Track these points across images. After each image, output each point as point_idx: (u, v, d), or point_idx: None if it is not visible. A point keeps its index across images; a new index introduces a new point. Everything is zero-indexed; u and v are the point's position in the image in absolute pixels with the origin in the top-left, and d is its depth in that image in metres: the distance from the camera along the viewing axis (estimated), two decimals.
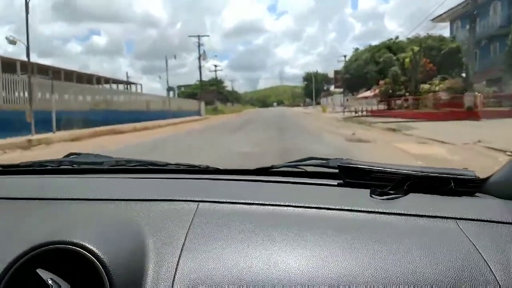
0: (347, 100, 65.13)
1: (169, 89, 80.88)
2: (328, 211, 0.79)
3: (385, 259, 0.64)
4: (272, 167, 1.11)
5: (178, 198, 0.85)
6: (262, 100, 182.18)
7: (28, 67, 15.32)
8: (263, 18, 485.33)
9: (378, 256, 0.65)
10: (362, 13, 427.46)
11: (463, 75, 24.75)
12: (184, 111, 37.60)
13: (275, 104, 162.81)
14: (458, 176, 0.90)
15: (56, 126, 15.07)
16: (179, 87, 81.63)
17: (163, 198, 0.85)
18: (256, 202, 0.82)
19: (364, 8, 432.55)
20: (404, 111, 23.76)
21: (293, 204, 0.81)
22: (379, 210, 0.78)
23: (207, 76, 73.30)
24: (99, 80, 39.61)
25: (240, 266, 0.64)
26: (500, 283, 0.60)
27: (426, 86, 24.59)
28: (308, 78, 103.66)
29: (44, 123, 14.30)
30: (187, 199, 0.84)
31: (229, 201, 0.83)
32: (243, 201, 0.83)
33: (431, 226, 0.74)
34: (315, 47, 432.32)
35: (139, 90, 46.41)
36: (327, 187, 0.98)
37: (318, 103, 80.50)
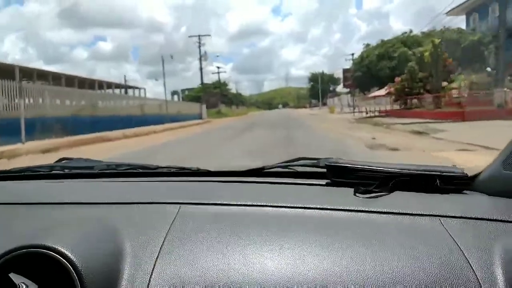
0: (355, 100, 63.16)
1: (173, 92, 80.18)
2: (311, 210, 0.78)
3: (364, 258, 0.64)
4: (263, 168, 1.11)
5: (160, 201, 0.84)
6: (267, 102, 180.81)
7: None
8: (267, 20, 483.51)
9: (358, 255, 0.64)
10: (367, 13, 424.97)
11: (488, 69, 22.40)
12: (184, 115, 35.46)
13: (280, 106, 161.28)
14: (444, 174, 0.88)
15: (30, 135, 13.03)
16: (183, 90, 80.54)
17: (144, 201, 0.85)
18: (238, 203, 0.82)
19: (369, 8, 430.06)
20: (424, 110, 21.38)
21: (275, 204, 0.80)
22: (362, 209, 0.77)
23: (211, 79, 71.46)
24: (102, 85, 38.35)
25: (217, 268, 0.64)
26: (480, 282, 0.60)
27: (448, 84, 22.24)
28: (314, 79, 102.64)
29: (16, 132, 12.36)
30: (169, 201, 0.84)
31: (211, 202, 0.83)
32: (226, 203, 0.82)
33: (414, 224, 0.73)
34: (320, 48, 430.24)
35: (142, 95, 44.85)
36: (315, 186, 0.98)
37: (324, 104, 79.57)
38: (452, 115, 17.86)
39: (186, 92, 76.20)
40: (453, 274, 0.61)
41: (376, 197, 0.85)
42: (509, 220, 0.72)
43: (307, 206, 0.80)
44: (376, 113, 29.33)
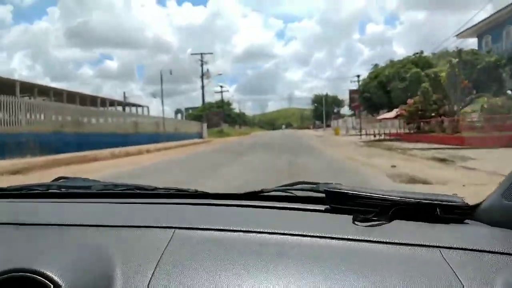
0: (358, 122, 61.74)
1: (177, 111, 79.87)
2: (309, 238, 0.77)
3: None
4: (261, 191, 1.09)
5: (154, 225, 0.83)
6: (270, 122, 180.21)
7: None
8: (272, 43, 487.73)
9: (357, 285, 0.63)
10: (370, 38, 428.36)
11: (509, 92, 20.78)
12: (183, 134, 33.92)
13: (283, 126, 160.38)
14: (445, 203, 0.87)
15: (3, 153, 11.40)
16: (186, 109, 79.78)
17: (138, 225, 0.83)
18: (234, 228, 0.80)
19: (372, 33, 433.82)
20: (440, 135, 19.66)
21: (272, 231, 0.78)
22: (361, 238, 0.75)
23: (215, 99, 70.56)
24: (104, 102, 37.62)
25: None
26: None
27: (464, 107, 20.59)
28: (318, 100, 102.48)
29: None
30: (163, 225, 0.82)
31: (207, 227, 0.81)
32: (222, 228, 0.81)
33: (413, 255, 0.71)
34: (323, 71, 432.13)
35: (145, 113, 43.78)
36: (313, 212, 0.96)
37: (328, 126, 79.01)
38: (472, 141, 16.15)
39: (190, 111, 75.30)
40: None
41: (375, 225, 0.83)
42: (510, 252, 0.70)
43: (305, 233, 0.77)
44: (384, 136, 27.67)
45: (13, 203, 1.15)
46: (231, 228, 0.80)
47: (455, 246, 0.72)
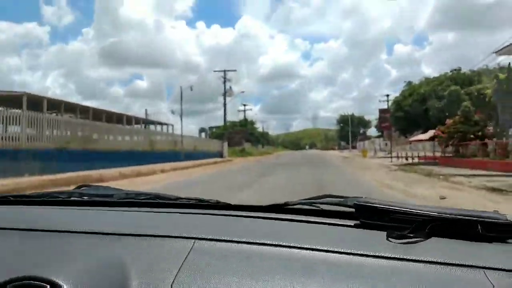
0: (386, 144, 59.08)
1: (201, 130, 79.55)
2: (339, 255, 0.72)
3: None
4: (286, 204, 1.06)
5: (174, 235, 0.80)
6: (294, 142, 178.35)
7: None
8: (297, 64, 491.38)
9: None
10: (398, 59, 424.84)
11: None
12: (203, 152, 32.62)
13: (307, 146, 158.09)
14: (487, 219, 0.81)
15: None
16: (210, 128, 79.19)
17: (158, 234, 0.81)
18: (257, 241, 0.76)
19: (399, 53, 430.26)
20: (485, 159, 17.43)
21: (299, 246, 0.74)
22: (396, 256, 0.71)
23: (239, 117, 69.60)
24: (130, 120, 37.25)
25: None
26: None
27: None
28: (343, 120, 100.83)
29: None
30: (184, 235, 0.79)
31: (228, 239, 0.78)
32: (244, 240, 0.77)
33: (456, 276, 0.66)
34: (349, 91, 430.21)
35: (170, 131, 43.14)
36: (342, 227, 0.91)
37: (354, 147, 76.87)
38: None
39: (214, 130, 74.72)
40: None
41: (412, 242, 0.77)
42: None
43: (335, 249, 0.73)
44: (418, 160, 25.49)
45: (34, 209, 1.14)
46: (254, 241, 0.76)
47: (501, 267, 0.67)
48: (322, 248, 0.73)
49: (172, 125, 48.90)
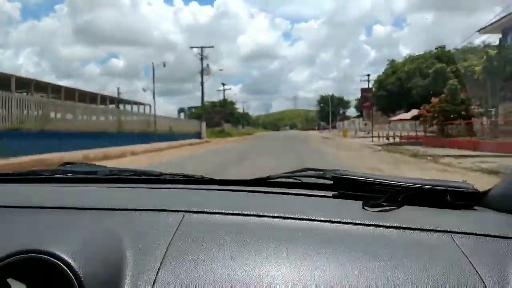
0: (365, 124, 58.76)
1: (180, 110, 77.42)
2: (319, 223, 0.76)
3: (375, 273, 0.62)
4: (268, 177, 1.10)
5: (163, 208, 0.82)
6: (274, 123, 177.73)
7: None
8: (278, 44, 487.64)
9: (368, 269, 0.63)
10: (376, 40, 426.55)
11: None
12: (179, 133, 31.11)
13: (287, 127, 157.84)
14: (455, 189, 0.87)
15: None
16: (189, 108, 77.28)
17: (147, 208, 0.83)
18: (244, 213, 0.80)
19: (378, 34, 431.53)
20: (473, 139, 16.73)
21: (283, 216, 0.78)
22: (371, 223, 0.75)
23: (219, 98, 67.84)
24: (104, 100, 35.64)
25: (221, 280, 0.62)
26: None
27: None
28: (324, 101, 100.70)
29: None
30: (173, 209, 0.81)
31: (216, 211, 0.80)
32: (231, 212, 0.80)
33: (425, 240, 0.71)
34: (329, 72, 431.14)
35: (147, 111, 41.29)
36: (321, 198, 0.97)
37: (333, 127, 76.76)
38: None
39: (193, 110, 72.87)
40: None
41: (386, 211, 0.82)
42: None
43: (315, 218, 0.77)
44: (400, 140, 24.78)
45: (20, 187, 1.14)
46: (241, 213, 0.79)
47: (466, 231, 0.72)
48: (303, 217, 0.77)
49: (150, 105, 47.09)
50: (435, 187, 0.88)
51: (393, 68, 26.68)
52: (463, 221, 0.79)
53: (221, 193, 1.03)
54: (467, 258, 0.65)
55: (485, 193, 0.90)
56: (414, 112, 26.90)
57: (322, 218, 0.76)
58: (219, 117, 59.65)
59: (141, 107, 39.96)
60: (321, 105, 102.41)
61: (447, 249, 0.68)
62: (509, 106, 16.49)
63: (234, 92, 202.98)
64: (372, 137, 30.27)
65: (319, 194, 0.98)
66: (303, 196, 0.98)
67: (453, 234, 0.71)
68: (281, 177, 1.09)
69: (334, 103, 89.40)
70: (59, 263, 0.59)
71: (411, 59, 26.02)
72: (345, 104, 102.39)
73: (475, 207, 0.88)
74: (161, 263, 0.65)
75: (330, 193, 0.97)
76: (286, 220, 0.77)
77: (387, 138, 27.46)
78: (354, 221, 0.75)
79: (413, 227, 0.73)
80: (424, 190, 0.88)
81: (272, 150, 19.62)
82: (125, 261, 0.65)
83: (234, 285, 0.61)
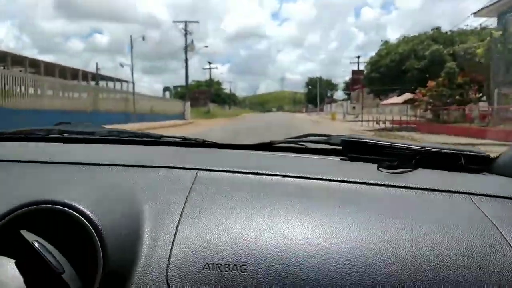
0: (354, 107, 57.82)
1: (165, 89, 75.21)
2: (334, 183, 0.75)
3: (397, 232, 0.61)
4: (272, 142, 1.07)
5: (176, 166, 0.80)
6: (262, 104, 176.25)
7: None
8: (266, 24, 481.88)
9: (390, 228, 0.62)
10: (364, 23, 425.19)
11: None
12: (162, 114, 29.59)
13: (274, 109, 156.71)
14: (468, 153, 0.88)
15: None
16: (175, 87, 75.19)
17: (160, 165, 0.80)
18: (258, 172, 0.78)
19: (367, 18, 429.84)
20: (476, 126, 15.74)
21: (297, 175, 0.77)
22: (388, 183, 0.74)
23: (206, 77, 65.84)
24: (86, 76, 33.82)
25: (244, 233, 0.61)
26: None
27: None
28: (312, 83, 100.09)
29: None
30: (186, 166, 0.80)
31: (230, 170, 0.79)
32: (245, 171, 0.78)
33: (444, 200, 0.71)
34: (317, 54, 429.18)
35: (130, 89, 39.45)
36: (332, 161, 0.95)
37: (321, 110, 75.83)
38: None
39: (179, 89, 70.91)
40: (493, 251, 0.59)
41: (401, 172, 0.81)
42: None
43: (331, 178, 0.76)
44: (393, 124, 23.78)
45: (18, 144, 1.08)
46: (254, 171, 0.78)
47: (484, 192, 0.72)
48: (318, 177, 0.76)
49: (133, 83, 45.09)
50: (448, 151, 0.87)
51: (386, 49, 25.41)
52: (479, 184, 0.80)
53: (228, 154, 1.01)
54: (489, 219, 0.65)
55: (495, 158, 0.90)
56: (407, 96, 25.84)
57: (338, 178, 0.75)
58: (205, 97, 58.00)
59: (125, 84, 38.05)
60: (309, 87, 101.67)
61: (467, 209, 0.68)
62: None
63: (221, 71, 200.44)
64: (362, 121, 29.31)
65: (328, 158, 0.96)
66: (312, 159, 0.96)
67: (471, 196, 0.71)
68: (285, 142, 1.07)
69: (322, 86, 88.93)
70: (78, 215, 0.57)
71: (405, 40, 24.73)
72: (332, 86, 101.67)
73: (485, 172, 0.89)
74: (180, 217, 0.64)
75: (338, 158, 0.95)
76: (302, 180, 0.75)
77: (377, 123, 26.45)
78: (371, 182, 0.74)
79: (430, 187, 0.73)
80: (438, 153, 0.87)
81: (261, 133, 18.38)
82: (143, 215, 0.64)
83: (258, 238, 0.60)
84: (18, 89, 15.69)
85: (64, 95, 18.14)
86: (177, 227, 0.62)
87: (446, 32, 24.87)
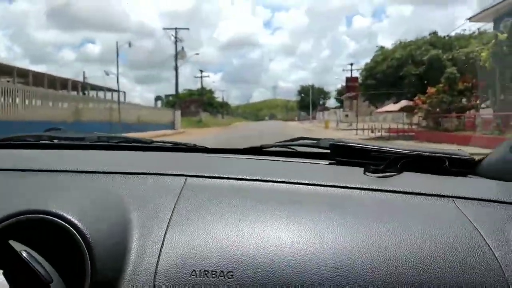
0: (346, 115, 57.14)
1: (157, 98, 74.21)
2: (321, 187, 0.77)
3: (381, 236, 0.63)
4: (262, 146, 1.08)
5: (165, 172, 0.81)
6: (254, 113, 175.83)
7: None
8: (258, 32, 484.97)
9: (375, 233, 0.63)
10: (356, 32, 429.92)
11: None
12: (151, 123, 28.48)
13: (267, 118, 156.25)
14: (453, 156, 0.89)
15: None
16: (167, 96, 74.20)
17: (148, 172, 0.81)
18: (246, 177, 0.79)
19: (358, 26, 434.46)
20: (479, 135, 14.91)
21: (285, 180, 0.78)
22: (374, 187, 0.76)
23: (198, 86, 64.83)
24: (76, 85, 32.99)
25: (231, 240, 0.62)
26: (500, 262, 0.60)
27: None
28: (304, 91, 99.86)
29: None
30: (175, 173, 0.81)
31: (218, 176, 0.80)
32: (233, 176, 0.80)
33: (428, 204, 0.73)
34: (309, 63, 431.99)
35: (121, 99, 38.30)
36: (320, 165, 0.96)
37: (313, 118, 75.51)
38: None
39: (170, 98, 69.90)
40: (474, 254, 0.60)
41: (387, 176, 0.83)
42: None
43: (319, 183, 0.77)
44: (390, 133, 22.98)
45: (8, 151, 1.09)
46: (243, 177, 0.79)
47: (467, 196, 0.73)
48: (305, 182, 0.77)
49: (124, 92, 44.01)
50: (433, 154, 0.88)
51: (383, 55, 24.61)
52: (463, 187, 0.81)
53: (218, 159, 1.01)
54: (470, 221, 0.66)
55: (479, 161, 0.91)
56: (403, 103, 25.04)
57: (324, 183, 0.76)
58: (196, 105, 57.03)
59: (115, 94, 36.97)
60: (302, 95, 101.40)
61: (450, 213, 0.69)
62: None
63: (213, 80, 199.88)
64: (356, 129, 28.51)
65: (316, 162, 0.97)
66: (301, 163, 0.96)
67: (455, 199, 0.72)
68: (275, 146, 1.07)
69: (314, 94, 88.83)
70: (65, 224, 0.57)
71: (402, 45, 23.95)
72: (325, 94, 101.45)
73: (469, 175, 0.90)
74: (168, 224, 0.65)
75: (326, 162, 0.96)
76: (289, 185, 0.76)
77: (372, 131, 25.63)
78: (357, 186, 0.75)
79: (415, 191, 0.74)
80: (423, 157, 0.88)
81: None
82: (131, 223, 0.65)
83: (244, 244, 0.61)
84: None
85: (43, 104, 16.97)
86: (165, 235, 0.63)
87: (444, 37, 24.11)
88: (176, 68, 35.43)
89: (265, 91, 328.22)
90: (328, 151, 0.96)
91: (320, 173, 0.88)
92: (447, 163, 0.87)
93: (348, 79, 35.95)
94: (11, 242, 0.56)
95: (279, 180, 0.78)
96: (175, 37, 34.90)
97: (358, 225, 0.64)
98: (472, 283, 0.57)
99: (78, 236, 0.57)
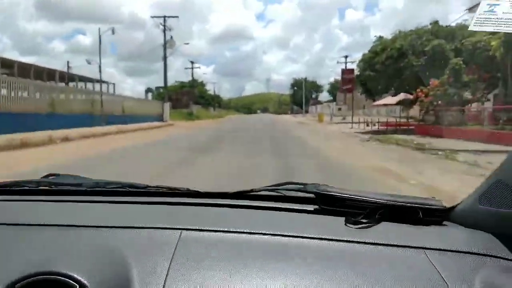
0: (339, 109, 56.02)
1: (148, 90, 72.60)
2: (307, 240, 0.82)
3: None
4: (252, 190, 1.12)
5: (161, 226, 0.85)
6: (247, 106, 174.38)
7: None
8: (251, 25, 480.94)
9: (356, 286, 0.67)
10: (349, 25, 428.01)
11: None
12: (138, 115, 27.20)
13: (259, 111, 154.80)
14: (426, 206, 0.93)
15: None
16: (157, 88, 72.64)
17: (146, 226, 0.86)
18: (235, 230, 0.84)
19: (351, 20, 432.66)
20: (486, 130, 13.97)
21: (272, 233, 0.83)
22: (353, 240, 0.81)
23: (189, 78, 63.17)
24: (63, 76, 32.17)
25: None
26: None
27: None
28: (297, 84, 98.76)
29: None
30: (170, 226, 0.85)
31: (210, 229, 0.85)
32: (224, 229, 0.85)
33: (401, 256, 0.77)
34: (302, 56, 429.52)
35: (111, 90, 36.78)
36: (305, 214, 1.01)
37: (306, 111, 74.43)
38: None
39: (161, 90, 68.33)
40: None
41: (366, 227, 0.87)
42: (486, 254, 0.77)
43: (304, 235, 0.82)
44: (387, 127, 21.99)
45: (8, 202, 1.12)
46: (234, 230, 0.84)
47: (437, 247, 0.78)
48: (291, 234, 0.82)
49: (114, 84, 42.40)
50: (407, 204, 0.92)
51: (382, 45, 23.42)
52: (434, 237, 0.84)
53: (210, 208, 1.04)
54: (439, 273, 0.70)
55: (451, 209, 0.94)
56: (402, 96, 24.04)
57: (310, 236, 0.82)
58: (187, 98, 55.54)
59: (104, 85, 35.38)
60: (295, 88, 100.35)
61: (421, 265, 0.73)
62: None
63: (204, 71, 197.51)
64: (352, 123, 27.54)
65: (302, 208, 1.01)
66: (288, 212, 1.00)
67: (426, 250, 0.77)
68: (264, 190, 1.11)
69: (307, 87, 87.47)
70: (76, 284, 0.62)
71: (402, 35, 22.81)
72: (317, 88, 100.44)
73: (444, 223, 0.93)
74: (165, 280, 0.68)
75: (312, 207, 1.00)
76: (276, 237, 0.81)
77: (367, 125, 24.64)
78: (339, 238, 0.81)
79: (391, 243, 0.79)
80: (399, 207, 0.92)
81: (246, 139, 16.38)
82: (131, 279, 0.67)
83: None
84: None
85: (17, 95, 15.63)
86: None
87: (447, 26, 22.92)
88: (164, 57, 33.88)
89: (258, 84, 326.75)
90: (314, 196, 1.00)
91: (305, 223, 0.92)
92: (420, 214, 0.90)
93: (344, 71, 34.75)
94: None
95: (267, 232, 0.83)
96: (164, 26, 33.38)
97: (338, 279, 0.68)
98: None
99: None
